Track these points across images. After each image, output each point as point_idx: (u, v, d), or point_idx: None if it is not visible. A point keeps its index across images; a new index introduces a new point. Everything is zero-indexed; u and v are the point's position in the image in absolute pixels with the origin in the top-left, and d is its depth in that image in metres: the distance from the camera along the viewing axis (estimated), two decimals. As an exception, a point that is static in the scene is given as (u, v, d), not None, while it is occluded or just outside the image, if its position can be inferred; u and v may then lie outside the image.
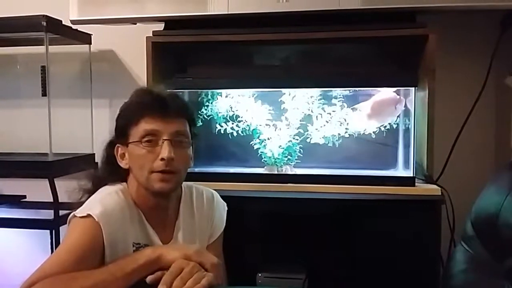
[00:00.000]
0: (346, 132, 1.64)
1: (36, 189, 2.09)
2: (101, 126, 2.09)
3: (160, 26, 1.77)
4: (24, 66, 2.21)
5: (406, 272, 1.46)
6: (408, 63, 1.68)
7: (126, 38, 2.06)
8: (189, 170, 1.21)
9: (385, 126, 1.62)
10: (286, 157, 1.67)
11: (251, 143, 1.69)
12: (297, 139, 1.66)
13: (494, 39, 1.76)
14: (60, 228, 1.84)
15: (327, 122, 1.64)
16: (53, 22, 1.83)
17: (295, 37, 1.65)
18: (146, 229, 1.17)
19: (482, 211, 1.23)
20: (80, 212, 1.09)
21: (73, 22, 1.78)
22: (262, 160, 1.69)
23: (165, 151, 1.11)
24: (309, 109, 1.65)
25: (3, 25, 1.86)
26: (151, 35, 1.71)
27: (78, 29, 1.96)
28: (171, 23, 1.74)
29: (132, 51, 2.08)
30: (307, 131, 1.66)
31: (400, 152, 1.67)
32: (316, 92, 1.64)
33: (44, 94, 1.84)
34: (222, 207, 1.33)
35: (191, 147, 1.19)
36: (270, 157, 1.68)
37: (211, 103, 1.71)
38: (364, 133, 1.64)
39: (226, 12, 1.61)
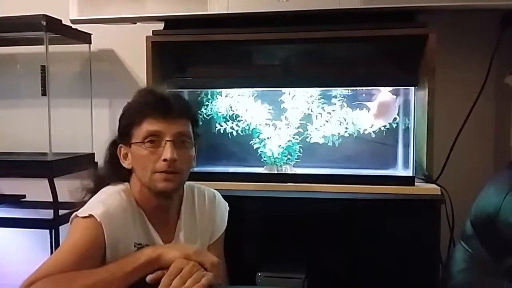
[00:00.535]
0: (346, 131, 1.64)
1: (35, 189, 2.09)
2: (101, 125, 2.09)
3: (160, 26, 1.77)
4: (24, 66, 2.21)
5: (406, 272, 1.46)
6: (408, 63, 1.68)
7: (126, 37, 2.06)
8: (188, 169, 1.21)
9: (385, 126, 1.62)
10: (285, 156, 1.67)
11: (250, 142, 1.69)
12: (297, 139, 1.66)
13: (494, 39, 1.76)
14: (60, 227, 1.84)
15: (327, 121, 1.64)
16: (53, 21, 1.83)
17: (295, 36, 1.65)
18: (148, 229, 1.17)
19: (482, 211, 1.23)
20: (82, 212, 1.09)
21: (73, 21, 1.78)
22: (262, 160, 1.69)
23: (167, 152, 1.11)
24: (308, 109, 1.66)
25: (3, 24, 1.86)
26: (151, 34, 1.71)
27: (78, 29, 1.96)
28: (171, 23, 1.74)
29: (132, 51, 2.08)
30: (307, 130, 1.66)
31: (400, 151, 1.67)
32: (315, 91, 1.65)
33: (44, 93, 1.84)
34: (223, 207, 1.33)
35: (193, 148, 1.19)
36: (269, 157, 1.68)
37: (211, 102, 1.71)
38: (364, 132, 1.64)
39: (226, 12, 1.61)
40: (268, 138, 1.67)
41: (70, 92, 2.15)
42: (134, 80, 2.13)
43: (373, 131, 1.63)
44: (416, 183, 1.55)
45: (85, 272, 1.01)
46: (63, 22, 1.88)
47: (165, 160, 1.11)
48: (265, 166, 1.69)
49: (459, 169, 1.79)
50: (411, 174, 1.55)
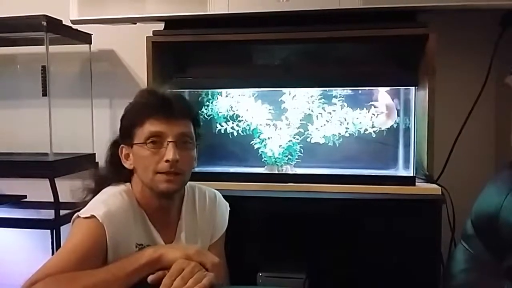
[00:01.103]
0: (346, 131, 1.64)
1: (36, 189, 2.10)
2: (101, 126, 2.09)
3: (160, 26, 1.77)
4: (25, 66, 2.21)
5: (407, 272, 1.46)
6: (408, 63, 1.68)
7: (126, 38, 2.06)
8: (189, 170, 1.21)
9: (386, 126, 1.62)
10: (286, 156, 1.67)
11: (251, 142, 1.69)
12: (297, 139, 1.67)
13: (494, 39, 1.76)
14: (61, 228, 1.84)
15: (327, 121, 1.64)
16: (53, 22, 1.83)
17: (295, 36, 1.65)
18: (149, 230, 1.17)
19: (483, 211, 1.23)
20: (84, 212, 1.09)
21: (73, 22, 1.78)
22: (263, 160, 1.69)
23: (170, 153, 1.11)
24: (309, 109, 1.66)
25: (3, 25, 1.86)
26: (151, 34, 1.71)
27: (78, 29, 1.96)
28: (171, 23, 1.74)
29: (132, 51, 2.08)
30: (307, 130, 1.66)
31: (401, 151, 1.67)
32: (316, 91, 1.65)
33: (44, 94, 1.84)
34: (224, 208, 1.34)
35: (195, 148, 1.20)
36: (270, 157, 1.68)
37: (211, 102, 1.71)
38: (364, 132, 1.64)
39: (226, 12, 1.61)
40: (268, 138, 1.67)
41: (71, 93, 2.15)
42: (134, 80, 2.13)
43: (373, 131, 1.63)
44: (416, 183, 1.55)
45: (86, 272, 1.01)
46: (64, 23, 1.88)
47: (167, 161, 1.11)
48: (265, 166, 1.69)
49: (459, 169, 1.79)
50: (411, 174, 1.55)
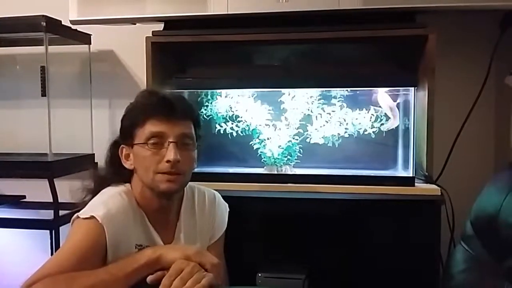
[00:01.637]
0: (345, 132, 1.64)
1: (35, 189, 2.09)
2: (100, 126, 2.09)
3: (160, 26, 1.77)
4: (24, 67, 2.21)
5: (406, 272, 1.46)
6: (408, 63, 1.68)
7: (125, 38, 2.06)
8: (188, 170, 1.21)
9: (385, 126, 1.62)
10: (285, 157, 1.67)
11: (250, 143, 1.69)
12: (297, 139, 1.66)
13: (493, 39, 1.76)
14: (60, 228, 1.84)
15: (327, 122, 1.64)
16: (53, 22, 1.83)
17: (295, 37, 1.65)
18: (148, 231, 1.17)
19: (482, 211, 1.23)
20: (83, 213, 1.09)
21: (72, 22, 1.78)
22: (262, 160, 1.69)
23: (171, 153, 1.11)
24: (308, 109, 1.66)
25: (2, 25, 1.85)
26: (150, 35, 1.71)
27: (78, 29, 1.96)
28: (171, 23, 1.74)
29: (132, 51, 2.08)
30: (307, 131, 1.66)
31: (400, 152, 1.67)
32: (315, 92, 1.64)
33: (43, 94, 1.84)
34: (224, 208, 1.34)
35: (196, 149, 1.20)
36: (269, 157, 1.68)
37: (211, 103, 1.71)
38: (363, 133, 1.64)
39: (226, 12, 1.61)
40: (268, 139, 1.67)
41: (70, 93, 2.15)
42: (134, 80, 2.13)
43: (373, 132, 1.63)
44: (416, 184, 1.54)
45: (86, 272, 1.01)
46: (63, 23, 1.88)
47: (168, 161, 1.11)
48: (265, 167, 1.69)
49: (459, 169, 1.79)
50: (411, 175, 1.55)
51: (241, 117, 1.69)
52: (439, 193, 1.50)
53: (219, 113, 1.70)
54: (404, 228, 1.49)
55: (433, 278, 1.48)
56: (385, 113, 1.62)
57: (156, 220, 1.19)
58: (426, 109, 1.56)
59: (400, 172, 1.66)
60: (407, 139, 1.59)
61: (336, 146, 1.65)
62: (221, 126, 1.69)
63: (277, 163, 1.67)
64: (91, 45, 2.08)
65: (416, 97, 1.55)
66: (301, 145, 1.67)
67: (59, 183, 1.84)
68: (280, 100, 1.66)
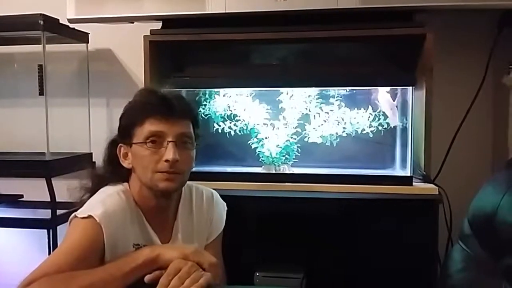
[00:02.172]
0: (343, 131, 1.64)
1: (33, 189, 2.09)
2: (98, 125, 2.09)
3: (158, 25, 1.77)
4: (21, 65, 2.21)
5: (404, 271, 1.46)
6: (406, 62, 1.68)
7: (123, 37, 2.06)
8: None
9: (383, 125, 1.62)
10: (283, 156, 1.67)
11: (248, 142, 1.69)
12: (295, 139, 1.66)
13: (491, 39, 1.76)
14: (58, 227, 1.84)
15: (325, 121, 1.64)
16: (50, 21, 1.83)
17: (293, 36, 1.65)
18: (146, 230, 1.17)
19: (480, 210, 1.23)
20: (81, 212, 1.09)
21: (70, 21, 1.78)
22: (260, 160, 1.69)
23: (170, 153, 1.11)
24: (306, 108, 1.66)
25: (0, 23, 1.85)
26: (148, 34, 1.71)
27: (76, 28, 1.96)
28: (169, 22, 1.74)
29: (130, 50, 2.08)
30: (305, 130, 1.66)
31: (398, 151, 1.68)
32: (313, 91, 1.64)
33: (41, 93, 1.84)
34: (221, 207, 1.33)
35: (194, 149, 1.19)
36: (267, 157, 1.68)
37: (209, 102, 1.71)
38: (361, 132, 1.64)
39: (224, 11, 1.61)
40: (266, 138, 1.67)
41: (68, 92, 2.15)
42: (131, 79, 2.13)
43: (371, 131, 1.63)
44: (414, 183, 1.55)
45: (83, 272, 1.00)
46: (61, 21, 1.87)
47: (167, 160, 1.11)
48: (263, 166, 1.69)
49: (457, 168, 1.79)
50: (409, 174, 1.55)
51: (239, 116, 1.69)
52: (437, 192, 1.50)
53: (217, 112, 1.70)
54: (402, 227, 1.49)
55: (430, 277, 1.49)
56: (384, 112, 1.62)
57: (154, 219, 1.19)
58: (424, 108, 1.56)
59: (398, 171, 1.66)
60: (405, 138, 1.59)
61: (334, 145, 1.65)
62: (219, 125, 1.69)
63: (275, 162, 1.67)
64: (88, 44, 2.08)
65: (414, 97, 1.55)
66: (299, 145, 1.67)
67: (56, 182, 1.83)
68: (278, 99, 1.66)
